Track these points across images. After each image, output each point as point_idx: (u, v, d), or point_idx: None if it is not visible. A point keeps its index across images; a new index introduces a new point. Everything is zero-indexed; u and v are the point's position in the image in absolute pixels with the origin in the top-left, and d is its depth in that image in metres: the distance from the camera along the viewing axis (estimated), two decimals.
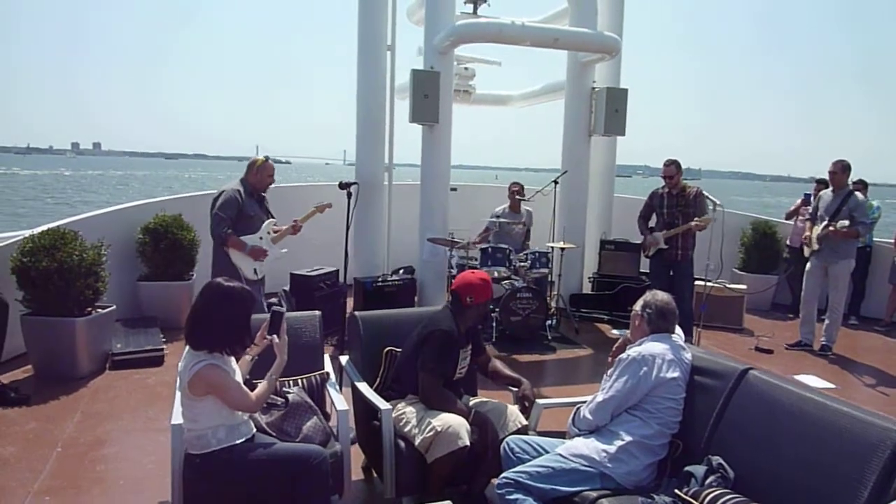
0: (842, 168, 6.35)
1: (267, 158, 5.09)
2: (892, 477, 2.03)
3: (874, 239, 8.16)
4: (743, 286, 7.74)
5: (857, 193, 6.43)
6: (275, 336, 2.97)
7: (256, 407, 2.81)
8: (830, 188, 6.48)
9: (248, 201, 4.96)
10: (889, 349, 7.05)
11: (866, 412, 2.25)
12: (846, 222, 6.07)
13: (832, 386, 5.58)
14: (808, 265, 6.64)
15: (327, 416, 3.27)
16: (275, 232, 5.12)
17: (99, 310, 5.24)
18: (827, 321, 6.57)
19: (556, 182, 7.35)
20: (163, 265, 6.34)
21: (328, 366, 3.54)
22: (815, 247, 6.44)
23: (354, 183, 4.81)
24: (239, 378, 2.86)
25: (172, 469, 2.80)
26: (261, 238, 5.00)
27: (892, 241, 7.88)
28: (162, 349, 5.50)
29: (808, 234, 6.58)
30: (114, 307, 5.41)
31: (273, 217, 5.17)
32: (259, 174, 5.05)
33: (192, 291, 6.49)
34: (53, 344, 4.96)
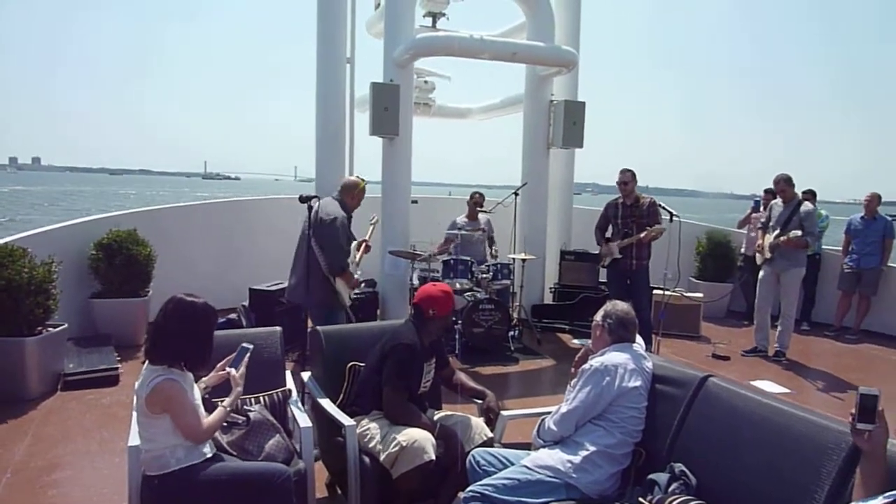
0: (786, 181, 6.57)
1: (364, 180, 5.05)
2: (847, 479, 2.08)
3: (823, 247, 8.44)
4: (699, 294, 7.91)
5: (807, 203, 6.64)
6: (232, 369, 2.95)
7: (205, 437, 2.73)
8: (780, 199, 6.68)
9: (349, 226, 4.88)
10: (839, 353, 7.28)
11: (821, 416, 2.31)
12: (798, 232, 6.26)
13: (788, 391, 5.73)
14: (762, 273, 6.83)
15: (290, 434, 3.21)
16: (357, 251, 5.01)
17: (50, 329, 5.08)
18: (780, 328, 6.76)
19: (516, 194, 7.42)
20: (118, 281, 6.16)
21: (290, 382, 3.49)
22: (768, 255, 6.63)
23: (315, 196, 4.76)
24: (197, 395, 2.81)
25: (129, 492, 2.72)
26: (351, 263, 4.88)
27: (840, 249, 8.17)
28: (116, 368, 5.35)
29: (760, 242, 6.77)
30: (65, 326, 5.25)
31: (356, 239, 5.04)
32: (359, 197, 4.97)
33: (147, 308, 6.34)
34: (2, 365, 4.76)
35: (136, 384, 2.70)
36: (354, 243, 4.99)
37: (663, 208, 6.22)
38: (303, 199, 4.55)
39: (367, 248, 5.13)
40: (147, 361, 2.73)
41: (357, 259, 4.97)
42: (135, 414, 2.75)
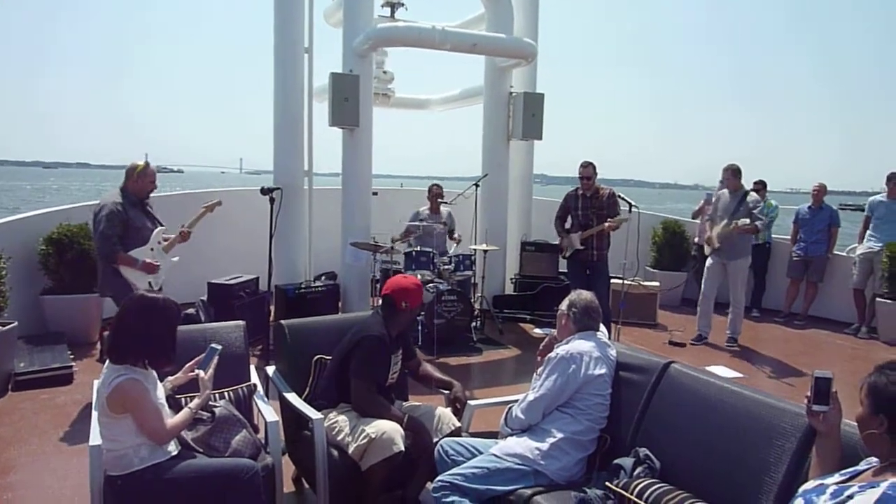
0: (732, 172, 6.76)
1: (147, 163, 4.80)
2: (803, 459, 2.17)
3: (773, 236, 8.71)
4: (656, 283, 8.09)
5: (752, 193, 6.84)
6: (200, 371, 2.92)
7: (168, 438, 2.68)
8: (727, 190, 6.87)
9: (133, 211, 4.67)
10: (788, 338, 7.54)
11: (778, 399, 2.40)
12: (747, 220, 6.44)
13: (740, 375, 5.92)
14: (708, 262, 7.02)
15: (256, 429, 3.18)
16: (165, 241, 4.84)
17: None
18: (731, 315, 6.96)
19: (476, 185, 7.45)
20: (69, 278, 5.97)
21: (255, 377, 3.45)
22: (717, 245, 6.80)
23: (277, 188, 4.69)
24: (161, 393, 2.76)
25: (91, 493, 2.65)
26: (152, 249, 4.71)
27: (790, 238, 8.44)
28: (70, 366, 5.19)
29: (708, 233, 6.95)
30: (15, 324, 5.07)
31: (162, 225, 4.88)
32: (140, 180, 4.73)
33: (101, 305, 6.17)
34: None
35: (97, 383, 2.64)
36: (158, 230, 4.81)
37: (622, 199, 6.34)
38: (264, 192, 4.49)
39: (184, 237, 4.96)
40: (108, 360, 2.67)
41: (162, 245, 4.80)
42: (95, 413, 2.69)
